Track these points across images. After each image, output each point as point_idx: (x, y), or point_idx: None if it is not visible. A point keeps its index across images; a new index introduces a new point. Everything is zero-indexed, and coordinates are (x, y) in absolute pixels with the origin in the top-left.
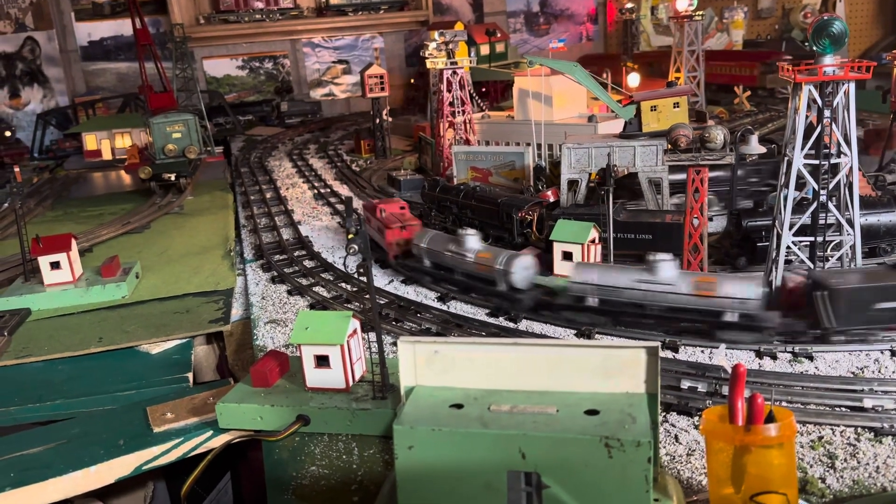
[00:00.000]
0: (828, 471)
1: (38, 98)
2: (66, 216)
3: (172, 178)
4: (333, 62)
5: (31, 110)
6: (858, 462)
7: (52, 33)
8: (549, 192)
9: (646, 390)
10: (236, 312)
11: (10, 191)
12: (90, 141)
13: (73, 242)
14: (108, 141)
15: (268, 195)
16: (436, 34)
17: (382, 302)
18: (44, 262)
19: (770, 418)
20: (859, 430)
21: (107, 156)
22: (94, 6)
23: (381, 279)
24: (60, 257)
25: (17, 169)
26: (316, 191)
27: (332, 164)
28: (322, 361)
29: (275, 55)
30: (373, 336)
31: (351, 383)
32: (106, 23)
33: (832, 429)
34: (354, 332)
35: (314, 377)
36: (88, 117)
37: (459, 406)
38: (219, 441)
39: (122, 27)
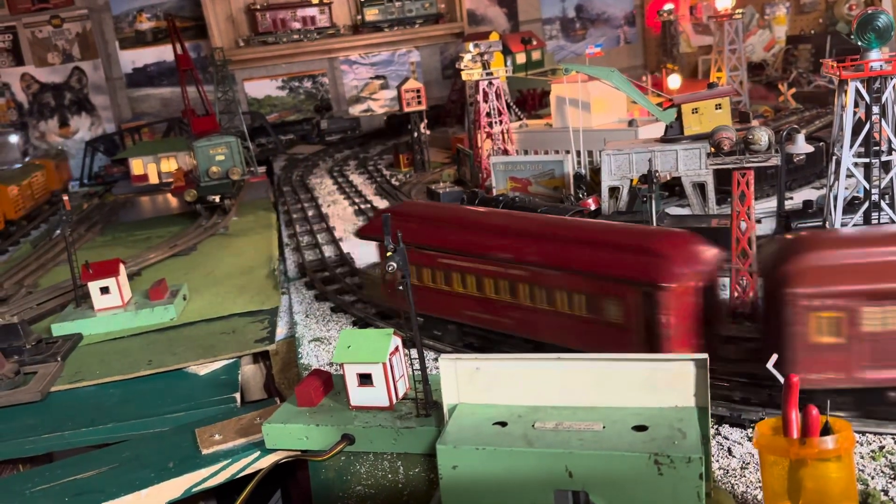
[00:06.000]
0: (890, 482)
1: (86, 126)
2: (115, 241)
3: (217, 199)
4: (371, 78)
5: (79, 138)
6: None
7: (98, 62)
8: (590, 200)
9: (695, 404)
10: (281, 331)
11: (60, 219)
12: (137, 166)
13: (122, 267)
14: (154, 165)
15: (310, 213)
16: (470, 45)
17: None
18: (94, 287)
19: (826, 430)
20: None
21: (153, 180)
22: (136, 34)
23: None
24: (109, 282)
25: (65, 197)
26: (356, 206)
27: (372, 179)
28: (365, 380)
29: (313, 74)
30: (415, 353)
31: (394, 401)
32: (148, 50)
33: (894, 438)
34: (396, 349)
35: (358, 396)
36: (134, 143)
37: (503, 424)
38: (266, 462)
39: (165, 53)
